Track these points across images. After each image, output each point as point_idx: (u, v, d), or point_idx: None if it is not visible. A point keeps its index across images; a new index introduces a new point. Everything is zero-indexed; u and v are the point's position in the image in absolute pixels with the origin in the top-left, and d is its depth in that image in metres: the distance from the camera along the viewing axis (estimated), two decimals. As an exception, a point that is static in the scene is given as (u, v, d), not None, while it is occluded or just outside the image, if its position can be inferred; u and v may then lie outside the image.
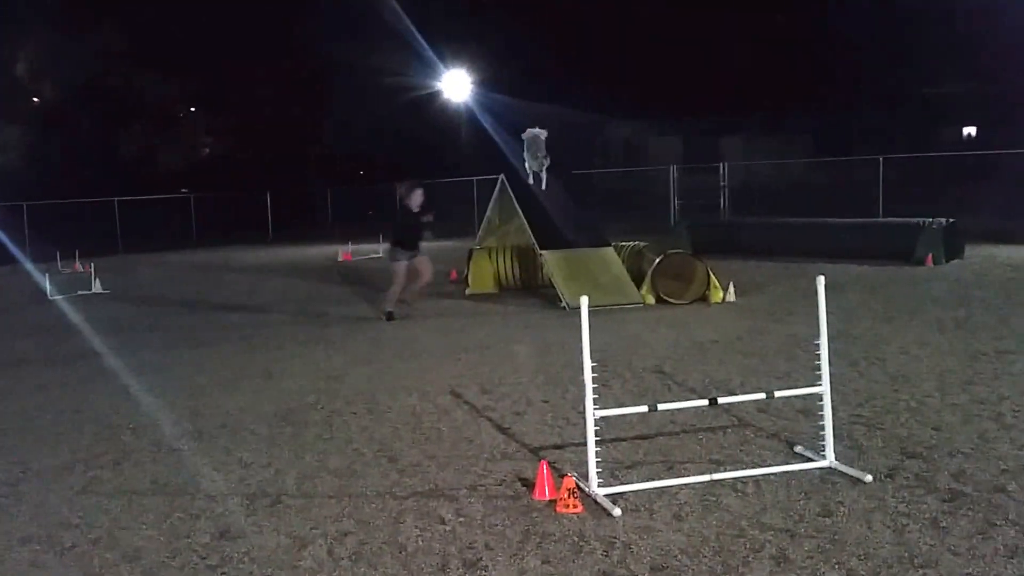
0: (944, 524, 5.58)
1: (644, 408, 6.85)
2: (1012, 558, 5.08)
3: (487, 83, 45.73)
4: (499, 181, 17.41)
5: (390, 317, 14.83)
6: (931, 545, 5.29)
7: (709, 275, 15.46)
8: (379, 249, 30.29)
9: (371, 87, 48.08)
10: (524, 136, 16.92)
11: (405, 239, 14.72)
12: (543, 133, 16.87)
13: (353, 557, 5.54)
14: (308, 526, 6.05)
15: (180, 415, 9.12)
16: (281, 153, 52.81)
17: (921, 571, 4.95)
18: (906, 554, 5.17)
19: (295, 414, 8.98)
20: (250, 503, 6.54)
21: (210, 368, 11.55)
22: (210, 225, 41.60)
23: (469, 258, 18.26)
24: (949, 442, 7.18)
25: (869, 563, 5.07)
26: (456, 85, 44.79)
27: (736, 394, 8.19)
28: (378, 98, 47.80)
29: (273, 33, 50.31)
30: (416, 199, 14.60)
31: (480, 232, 18.72)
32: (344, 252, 29.35)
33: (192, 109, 56.68)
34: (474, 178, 36.95)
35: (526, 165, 16.86)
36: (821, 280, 6.76)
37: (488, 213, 18.36)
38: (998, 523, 5.55)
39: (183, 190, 45.50)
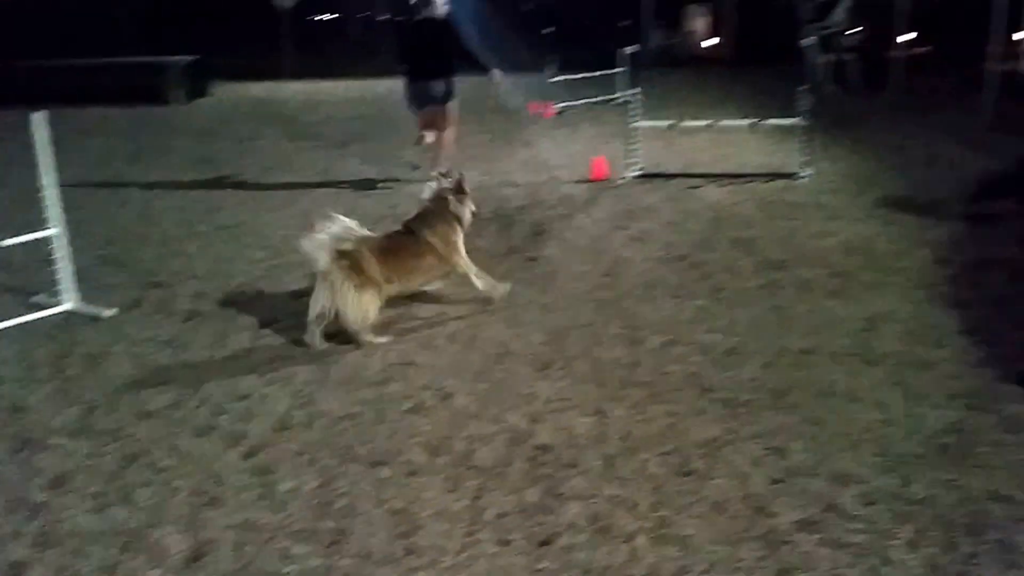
0: (181, 341, 5.88)
1: None
2: (243, 359, 5.57)
3: None
4: None
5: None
6: (168, 362, 5.56)
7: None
8: None
9: None
10: None
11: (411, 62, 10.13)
12: None
13: None
14: None
15: None
16: None
17: (158, 388, 5.16)
18: (144, 375, 5.36)
19: None
20: None
21: None
22: None
23: None
24: (191, 269, 7.53)
25: (108, 391, 5.15)
26: None
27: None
28: None
29: None
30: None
31: None
32: None
33: None
34: None
35: None
36: (40, 120, 6.40)
37: None
38: (231, 332, 6.01)
39: None
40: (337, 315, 5.73)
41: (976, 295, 6.16)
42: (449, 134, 10.24)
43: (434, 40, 9.98)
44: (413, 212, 6.57)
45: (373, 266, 5.85)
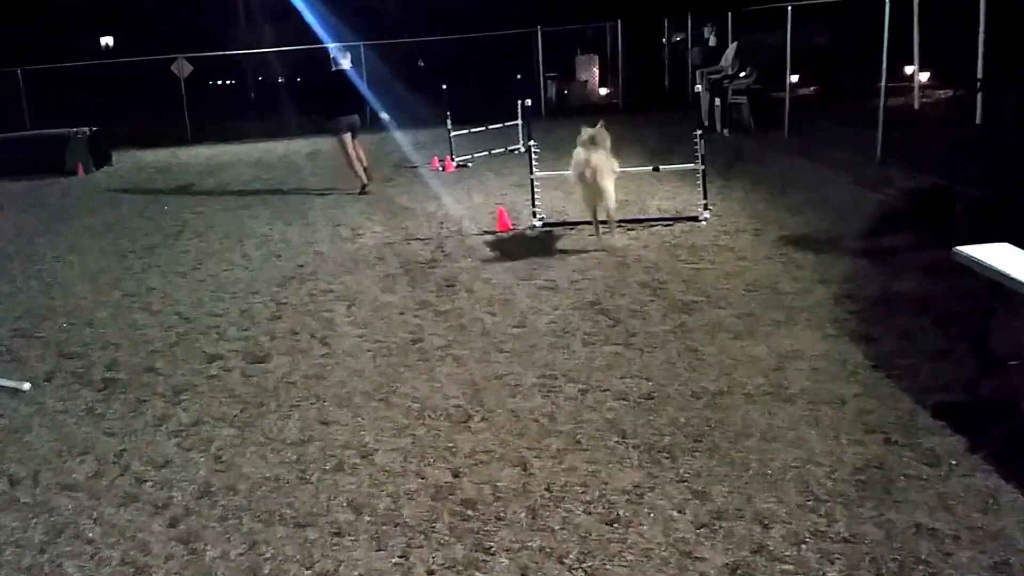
0: (99, 411, 5.84)
1: None
2: (161, 425, 5.54)
3: None
4: None
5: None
6: (87, 432, 5.51)
7: None
8: None
9: None
10: None
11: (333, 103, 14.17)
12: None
13: None
14: None
15: None
16: None
17: (79, 459, 5.13)
18: (64, 447, 5.31)
19: None
20: None
21: None
22: None
23: None
24: (103, 337, 7.46)
25: (30, 464, 5.09)
26: None
27: None
28: None
29: None
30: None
31: None
32: None
33: None
34: None
35: None
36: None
37: None
38: (148, 398, 6.00)
39: None
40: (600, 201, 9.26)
41: (882, 329, 6.37)
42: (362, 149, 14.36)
43: (347, 85, 14.06)
44: (586, 138, 9.44)
45: (609, 170, 9.16)
